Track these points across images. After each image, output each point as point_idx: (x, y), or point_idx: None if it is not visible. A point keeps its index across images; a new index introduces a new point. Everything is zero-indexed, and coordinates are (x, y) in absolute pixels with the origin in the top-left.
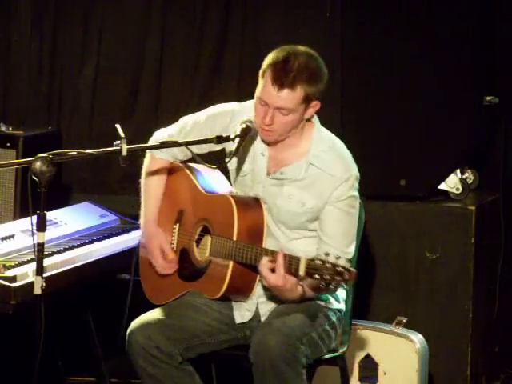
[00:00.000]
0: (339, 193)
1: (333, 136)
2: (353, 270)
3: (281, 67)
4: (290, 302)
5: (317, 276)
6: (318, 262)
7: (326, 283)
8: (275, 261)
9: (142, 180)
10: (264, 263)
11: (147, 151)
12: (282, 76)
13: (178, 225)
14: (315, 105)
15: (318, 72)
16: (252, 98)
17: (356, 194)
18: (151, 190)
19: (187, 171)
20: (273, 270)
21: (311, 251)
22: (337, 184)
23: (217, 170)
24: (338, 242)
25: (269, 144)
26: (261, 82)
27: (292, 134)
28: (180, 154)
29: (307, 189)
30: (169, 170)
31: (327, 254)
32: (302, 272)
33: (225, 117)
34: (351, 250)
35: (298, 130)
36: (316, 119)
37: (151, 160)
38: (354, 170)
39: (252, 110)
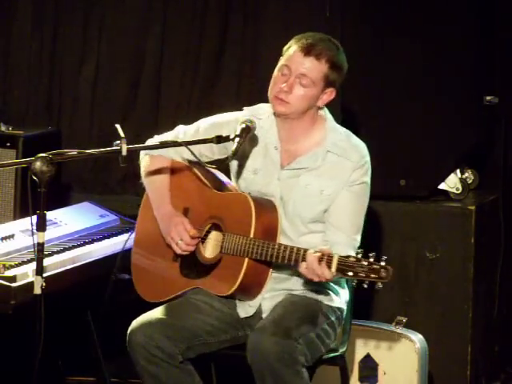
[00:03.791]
0: (354, 177)
1: (345, 128)
2: (389, 267)
3: (309, 40)
4: None
5: (350, 273)
6: (352, 259)
7: (359, 281)
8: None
9: (145, 179)
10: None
11: (141, 154)
12: (310, 45)
13: None
14: (331, 92)
15: (341, 60)
16: (252, 103)
17: (368, 181)
18: (157, 182)
19: (192, 169)
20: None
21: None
22: (353, 168)
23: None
24: (346, 226)
25: (279, 115)
26: (285, 54)
27: (304, 119)
28: (184, 153)
29: (325, 176)
30: (170, 168)
31: (360, 252)
32: (333, 269)
33: (229, 126)
34: (359, 238)
35: (309, 116)
36: (327, 111)
37: (150, 159)
38: (368, 157)
39: (260, 110)
